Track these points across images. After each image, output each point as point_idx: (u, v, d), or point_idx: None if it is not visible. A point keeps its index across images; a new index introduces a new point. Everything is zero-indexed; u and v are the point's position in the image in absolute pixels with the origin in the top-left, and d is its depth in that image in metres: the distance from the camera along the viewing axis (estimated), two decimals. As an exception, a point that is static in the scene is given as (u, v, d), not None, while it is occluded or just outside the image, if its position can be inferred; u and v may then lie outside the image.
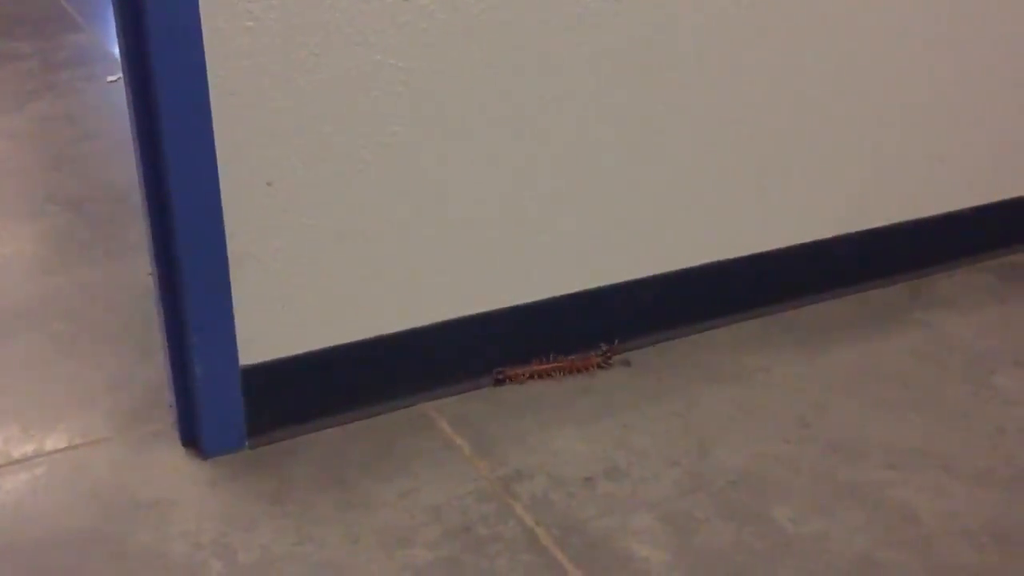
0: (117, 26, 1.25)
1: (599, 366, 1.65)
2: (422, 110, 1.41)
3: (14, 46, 3.24)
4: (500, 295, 1.60)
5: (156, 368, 1.62)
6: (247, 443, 1.46)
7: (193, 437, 1.46)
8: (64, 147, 2.57)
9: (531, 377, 1.62)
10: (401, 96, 1.39)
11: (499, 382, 1.61)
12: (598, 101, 1.54)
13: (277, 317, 1.43)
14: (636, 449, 1.49)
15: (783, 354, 1.74)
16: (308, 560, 1.27)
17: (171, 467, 1.42)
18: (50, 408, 1.53)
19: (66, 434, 1.47)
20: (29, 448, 1.44)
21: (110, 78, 3.11)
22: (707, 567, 1.28)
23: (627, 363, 1.66)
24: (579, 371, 1.64)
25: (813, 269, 1.88)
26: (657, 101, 1.59)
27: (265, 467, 1.43)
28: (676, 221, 1.70)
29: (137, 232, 2.17)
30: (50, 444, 1.45)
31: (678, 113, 1.62)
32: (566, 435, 1.52)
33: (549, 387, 1.63)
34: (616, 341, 1.67)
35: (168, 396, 1.47)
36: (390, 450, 1.48)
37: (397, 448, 1.48)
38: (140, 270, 1.95)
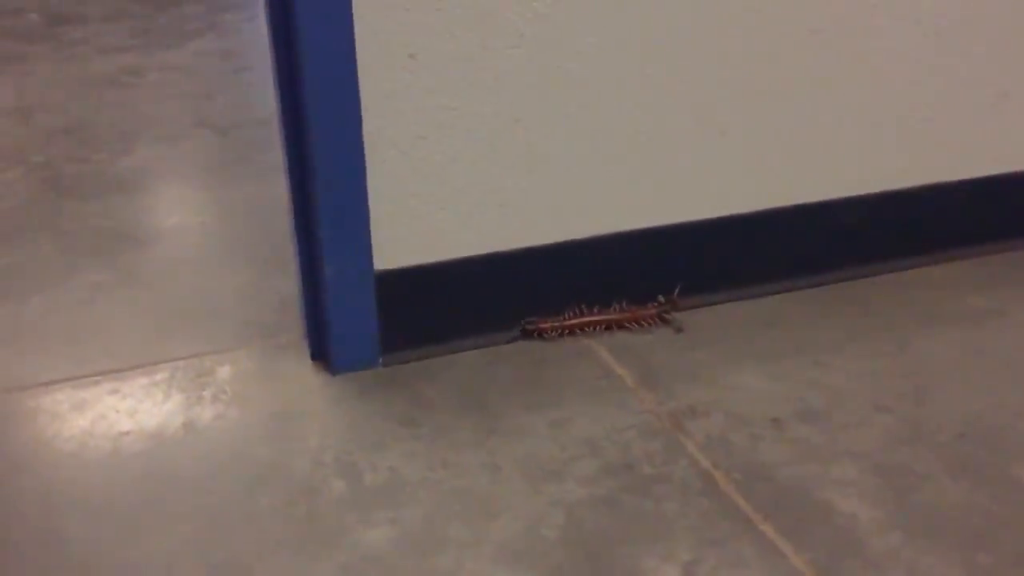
0: None
1: (653, 322, 1.34)
2: (590, -25, 1.20)
3: (181, -8, 3.27)
4: (680, 207, 1.36)
5: (290, 283, 1.49)
6: (380, 360, 1.30)
7: (322, 351, 1.31)
8: (218, 79, 2.52)
9: (565, 332, 1.32)
10: (566, -43, 1.18)
11: (527, 335, 1.32)
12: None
13: (418, 217, 1.26)
14: (836, 390, 1.23)
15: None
16: (442, 487, 1.08)
17: (296, 381, 1.28)
18: (179, 316, 1.43)
19: (192, 342, 1.36)
20: (152, 355, 1.33)
21: (269, 20, 3.09)
22: (933, 530, 1.01)
23: (680, 329, 1.34)
24: (627, 327, 1.34)
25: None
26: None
27: (398, 386, 1.26)
28: (887, 138, 1.42)
29: (279, 156, 2.07)
30: (174, 351, 1.34)
31: (899, 20, 1.34)
32: (748, 370, 1.27)
33: (726, 317, 1.39)
34: (677, 290, 1.35)
35: (298, 303, 1.33)
36: (540, 376, 1.28)
37: (548, 374, 1.28)
38: (281, 190, 1.84)
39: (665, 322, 1.35)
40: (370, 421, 1.20)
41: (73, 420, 1.19)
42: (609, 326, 1.33)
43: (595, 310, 1.34)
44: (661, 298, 1.34)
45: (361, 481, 1.10)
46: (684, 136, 1.32)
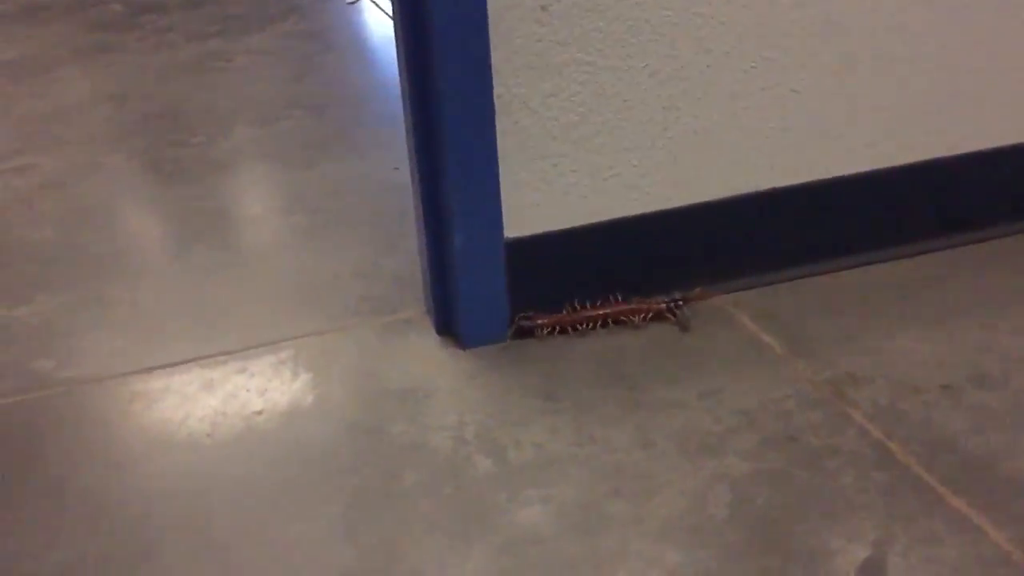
0: None
1: (658, 317, 1.22)
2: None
3: (259, -23, 3.26)
4: (826, 163, 1.27)
5: (404, 258, 1.44)
6: (509, 333, 1.24)
7: (449, 325, 1.26)
8: (305, 60, 2.49)
9: (564, 329, 1.21)
10: None
11: (522, 333, 1.21)
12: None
13: (548, 181, 1.19)
14: (1008, 354, 1.13)
15: None
16: (593, 463, 1.02)
17: (425, 356, 1.22)
18: (297, 295, 1.39)
19: (311, 320, 1.31)
20: (274, 332, 1.29)
21: (348, 1, 3.05)
22: None
23: (685, 327, 1.21)
24: (628, 322, 1.22)
25: None
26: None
27: (531, 360, 1.20)
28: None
29: (377, 132, 2.03)
30: (295, 329, 1.30)
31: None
32: (907, 334, 1.18)
33: (875, 279, 1.29)
34: (698, 288, 1.24)
35: (422, 275, 1.28)
36: (680, 346, 1.20)
37: (688, 344, 1.21)
38: (383, 166, 1.80)
39: (673, 316, 1.23)
40: (507, 396, 1.14)
41: (204, 400, 1.16)
42: (608, 322, 1.22)
43: (596, 304, 1.22)
44: (677, 294, 1.23)
45: (506, 458, 1.04)
46: (832, 88, 1.23)
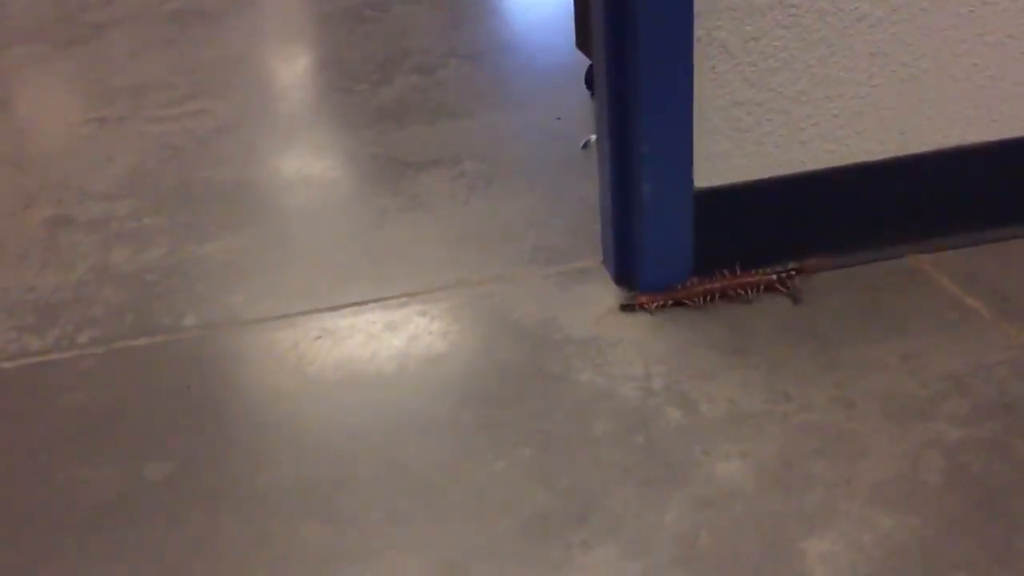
0: None
1: (769, 289, 1.16)
2: None
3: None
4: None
5: (575, 208, 1.43)
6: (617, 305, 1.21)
7: (628, 275, 1.23)
8: (459, 9, 2.49)
9: (669, 305, 1.16)
10: None
11: (626, 309, 1.18)
12: None
13: (742, 129, 1.15)
14: None
15: None
16: (790, 421, 0.99)
17: (605, 306, 1.21)
18: (472, 241, 1.39)
19: (486, 265, 1.32)
20: (452, 277, 1.30)
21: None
22: None
23: (797, 300, 1.15)
24: (739, 296, 1.16)
25: None
26: None
27: (715, 313, 1.17)
28: None
29: (535, 81, 2.01)
30: (473, 274, 1.30)
31: None
32: None
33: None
34: (813, 259, 1.16)
35: (602, 223, 1.26)
36: (876, 305, 1.15)
37: (886, 303, 1.15)
38: (545, 115, 1.78)
39: (785, 288, 1.17)
40: (693, 349, 1.12)
41: (389, 340, 1.18)
42: (717, 295, 1.16)
43: (706, 278, 1.17)
44: (791, 265, 1.17)
45: (698, 411, 1.02)
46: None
